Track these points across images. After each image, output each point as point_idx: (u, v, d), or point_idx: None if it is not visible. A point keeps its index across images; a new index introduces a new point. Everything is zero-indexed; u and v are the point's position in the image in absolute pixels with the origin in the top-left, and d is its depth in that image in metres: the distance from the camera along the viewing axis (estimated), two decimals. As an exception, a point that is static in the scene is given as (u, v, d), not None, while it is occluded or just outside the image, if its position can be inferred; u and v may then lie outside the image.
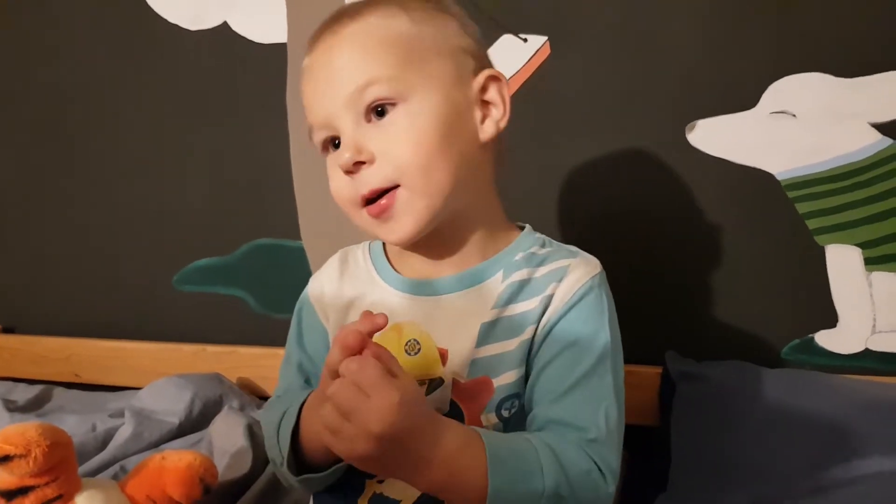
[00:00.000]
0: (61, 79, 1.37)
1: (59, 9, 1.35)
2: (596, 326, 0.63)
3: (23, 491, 0.73)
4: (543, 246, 0.69)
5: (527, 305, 0.64)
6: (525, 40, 1.08)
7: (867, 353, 1.01)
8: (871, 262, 0.99)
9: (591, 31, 1.06)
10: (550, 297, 0.64)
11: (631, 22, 1.04)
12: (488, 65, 0.68)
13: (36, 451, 0.71)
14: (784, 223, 1.02)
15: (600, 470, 0.58)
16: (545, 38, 1.07)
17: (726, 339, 1.06)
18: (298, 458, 0.64)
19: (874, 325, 1.00)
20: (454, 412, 0.63)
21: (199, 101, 1.29)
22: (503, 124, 0.67)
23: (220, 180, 1.30)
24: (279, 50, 1.22)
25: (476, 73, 0.66)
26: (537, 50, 1.07)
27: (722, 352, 1.03)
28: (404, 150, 0.61)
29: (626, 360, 1.05)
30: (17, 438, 0.72)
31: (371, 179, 0.62)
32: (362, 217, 0.65)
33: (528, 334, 0.63)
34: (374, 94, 0.61)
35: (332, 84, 0.63)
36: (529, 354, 0.64)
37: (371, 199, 0.63)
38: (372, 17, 0.63)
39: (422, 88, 0.62)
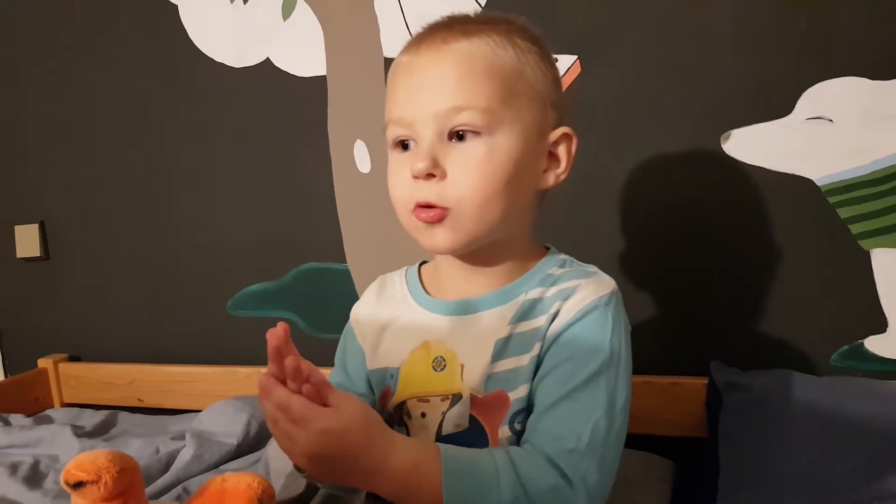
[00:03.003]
0: (118, 119, 1.45)
1: (114, 55, 1.43)
2: (596, 342, 0.64)
3: (94, 515, 0.77)
4: (563, 266, 0.71)
5: (536, 323, 0.66)
6: (555, 59, 1.09)
7: (920, 358, 0.99)
8: (919, 265, 0.98)
9: (620, 47, 1.07)
10: (555, 315, 0.66)
11: (660, 35, 1.05)
12: (564, 117, 0.71)
13: (106, 477, 0.75)
14: (826, 229, 1.01)
15: (570, 483, 0.59)
16: (575, 56, 1.09)
17: (772, 347, 1.05)
18: None
19: (926, 329, 0.98)
20: (474, 426, 0.66)
21: (245, 135, 1.35)
22: (563, 178, 0.70)
23: (269, 210, 1.35)
24: (319, 82, 1.26)
25: (555, 126, 0.69)
26: (568, 69, 1.09)
27: (768, 361, 1.02)
28: (473, 182, 0.63)
29: (672, 372, 1.07)
30: (89, 465, 0.75)
31: (430, 192, 0.64)
32: (410, 219, 0.67)
33: (536, 350, 0.65)
34: (466, 119, 0.63)
35: (429, 93, 0.64)
36: (537, 369, 0.66)
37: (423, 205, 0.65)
38: (483, 42, 0.65)
39: (508, 127, 0.64)
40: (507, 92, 0.64)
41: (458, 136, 0.64)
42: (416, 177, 0.64)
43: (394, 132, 0.67)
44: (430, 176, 0.63)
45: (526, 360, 0.65)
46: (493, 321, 0.67)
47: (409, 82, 0.66)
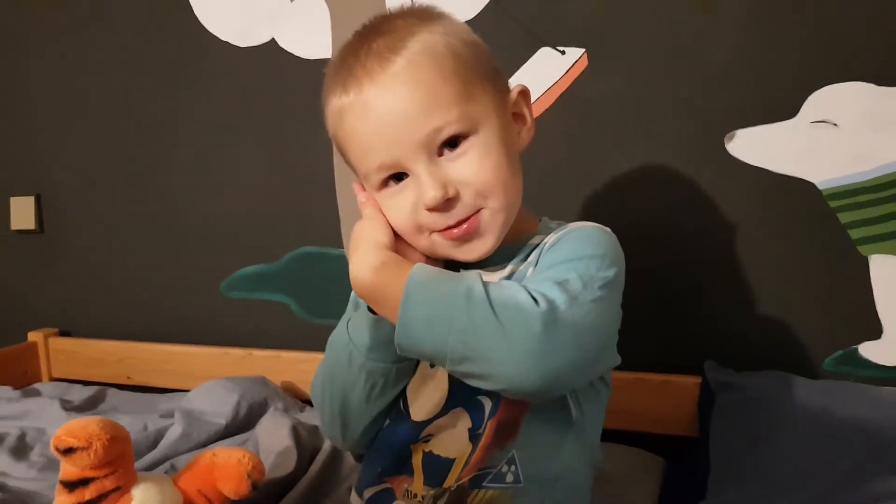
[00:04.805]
0: (119, 94, 1.44)
1: (117, 28, 1.42)
2: (577, 245, 0.65)
3: (84, 482, 0.76)
4: (560, 224, 0.73)
5: (532, 257, 0.69)
6: (563, 52, 1.09)
7: (913, 365, 0.99)
8: (916, 273, 0.98)
9: (628, 43, 1.07)
10: (546, 243, 0.68)
11: (669, 33, 1.05)
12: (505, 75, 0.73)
13: (97, 445, 0.74)
14: (826, 233, 1.01)
15: (536, 301, 0.57)
16: (583, 49, 1.08)
17: (766, 350, 1.05)
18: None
19: (920, 337, 0.98)
20: None
21: (247, 115, 1.34)
22: (533, 132, 0.72)
23: (267, 192, 1.35)
24: (325, 65, 1.25)
25: (506, 89, 0.70)
26: (575, 62, 1.08)
27: (762, 363, 1.02)
28: (487, 178, 0.64)
29: (665, 370, 1.07)
30: (80, 432, 0.75)
31: (457, 212, 0.65)
32: (432, 241, 0.67)
33: (530, 272, 0.67)
34: (449, 132, 0.63)
35: (400, 128, 0.63)
36: None
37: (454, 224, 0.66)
38: (418, 49, 0.63)
39: (483, 114, 0.65)
40: (464, 86, 0.64)
41: (449, 145, 0.64)
42: (433, 209, 0.64)
43: (379, 176, 0.66)
44: (448, 201, 0.63)
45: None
46: (494, 270, 0.70)
47: (370, 124, 0.64)
